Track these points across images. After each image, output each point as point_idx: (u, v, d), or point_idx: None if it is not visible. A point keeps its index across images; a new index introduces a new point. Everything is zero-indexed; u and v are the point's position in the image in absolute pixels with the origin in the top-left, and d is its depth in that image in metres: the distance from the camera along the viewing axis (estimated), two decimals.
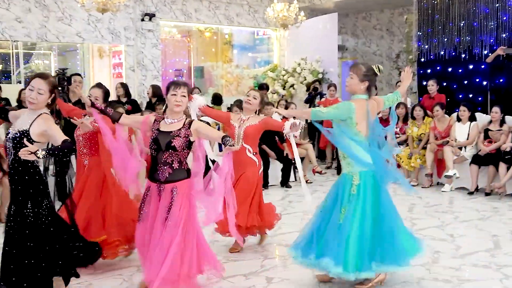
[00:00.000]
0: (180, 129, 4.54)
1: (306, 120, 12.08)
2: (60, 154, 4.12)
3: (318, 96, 12.23)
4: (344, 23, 16.30)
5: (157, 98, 10.26)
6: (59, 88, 8.46)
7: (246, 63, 16.50)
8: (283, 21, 12.44)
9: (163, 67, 14.28)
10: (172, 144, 4.47)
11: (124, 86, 10.05)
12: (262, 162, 6.02)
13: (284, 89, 14.16)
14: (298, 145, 9.82)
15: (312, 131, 11.97)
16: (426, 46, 12.49)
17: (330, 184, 9.27)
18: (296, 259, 4.78)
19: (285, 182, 9.54)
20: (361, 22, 16.46)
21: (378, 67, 4.81)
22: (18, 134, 4.18)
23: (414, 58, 12.99)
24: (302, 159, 9.82)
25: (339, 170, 10.52)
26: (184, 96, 4.58)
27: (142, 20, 12.98)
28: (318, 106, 11.74)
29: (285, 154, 9.52)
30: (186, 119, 4.65)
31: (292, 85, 14.06)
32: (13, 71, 13.96)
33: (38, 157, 3.91)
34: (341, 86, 12.79)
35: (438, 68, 12.32)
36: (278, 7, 12.34)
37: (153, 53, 13.35)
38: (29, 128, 4.19)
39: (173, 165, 4.52)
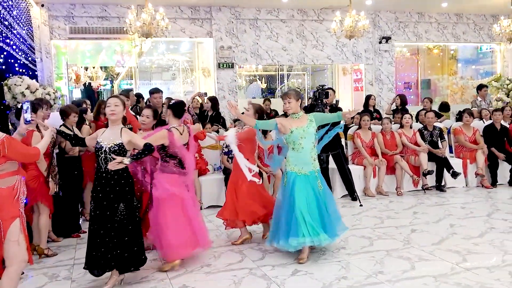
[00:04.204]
0: None
1: None
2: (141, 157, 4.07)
3: None
4: None
5: (402, 106, 9.91)
6: (318, 101, 8.67)
7: (469, 75, 15.41)
8: (509, 36, 11.24)
9: (396, 80, 13.95)
10: None
11: (371, 97, 9.98)
12: None
13: (508, 96, 12.74)
14: None
15: None
16: None
17: None
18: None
19: None
20: None
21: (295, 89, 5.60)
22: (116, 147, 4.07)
23: None
24: None
25: None
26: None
27: (380, 42, 12.87)
28: None
29: None
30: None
31: None
32: (277, 88, 14.94)
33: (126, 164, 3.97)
34: None
35: None
36: (505, 23, 11.20)
37: (388, 70, 13.13)
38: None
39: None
